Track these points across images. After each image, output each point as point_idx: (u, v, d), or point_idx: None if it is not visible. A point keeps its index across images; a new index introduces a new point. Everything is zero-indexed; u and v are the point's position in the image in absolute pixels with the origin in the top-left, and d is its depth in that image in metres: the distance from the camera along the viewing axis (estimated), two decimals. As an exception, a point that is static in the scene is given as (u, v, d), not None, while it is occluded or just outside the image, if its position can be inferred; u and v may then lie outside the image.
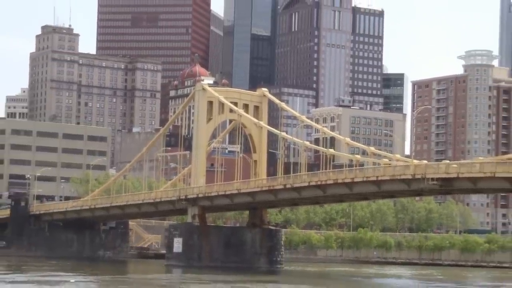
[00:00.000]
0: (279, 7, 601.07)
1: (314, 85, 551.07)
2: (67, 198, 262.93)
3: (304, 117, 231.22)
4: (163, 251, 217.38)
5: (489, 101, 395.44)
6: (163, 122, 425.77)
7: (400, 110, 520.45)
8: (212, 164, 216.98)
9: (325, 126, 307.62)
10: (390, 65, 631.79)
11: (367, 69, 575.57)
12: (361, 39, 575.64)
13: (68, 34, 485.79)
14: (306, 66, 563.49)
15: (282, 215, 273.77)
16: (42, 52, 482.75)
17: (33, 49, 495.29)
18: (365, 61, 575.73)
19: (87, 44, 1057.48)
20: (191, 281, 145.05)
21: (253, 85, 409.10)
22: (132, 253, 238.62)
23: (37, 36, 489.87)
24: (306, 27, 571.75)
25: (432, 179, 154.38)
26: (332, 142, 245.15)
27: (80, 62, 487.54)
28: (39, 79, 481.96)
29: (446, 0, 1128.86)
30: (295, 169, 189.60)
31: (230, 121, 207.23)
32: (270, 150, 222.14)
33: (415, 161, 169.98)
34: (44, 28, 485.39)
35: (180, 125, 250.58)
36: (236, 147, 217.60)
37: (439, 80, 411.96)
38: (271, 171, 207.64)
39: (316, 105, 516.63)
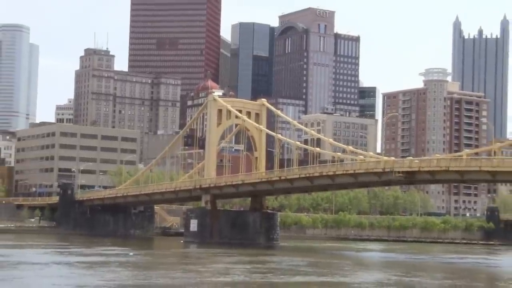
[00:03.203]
0: (275, 33, 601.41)
1: (304, 96, 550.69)
2: (104, 187, 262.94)
3: (295, 122, 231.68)
4: (182, 230, 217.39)
5: (444, 110, 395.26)
6: (182, 126, 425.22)
7: (372, 116, 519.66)
8: (221, 160, 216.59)
9: (312, 130, 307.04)
10: (365, 80, 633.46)
11: (346, 83, 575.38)
12: (342, 59, 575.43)
13: (106, 55, 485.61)
14: (297, 81, 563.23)
15: (278, 201, 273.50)
16: (84, 70, 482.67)
17: (77, 67, 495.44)
18: (345, 77, 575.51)
19: (121, 63, 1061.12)
20: (219, 254, 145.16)
21: (254, 96, 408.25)
22: (157, 231, 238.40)
23: (81, 57, 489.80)
24: (297, 50, 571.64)
25: (399, 172, 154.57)
26: (318, 142, 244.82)
27: (115, 78, 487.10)
28: (82, 91, 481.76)
29: (410, 27, 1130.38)
30: (288, 164, 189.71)
31: (236, 125, 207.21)
32: (268, 149, 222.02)
33: (385, 158, 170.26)
34: (86, 50, 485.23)
35: (195, 128, 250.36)
36: (241, 146, 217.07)
37: (404, 92, 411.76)
38: (269, 166, 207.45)
39: (305, 112, 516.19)
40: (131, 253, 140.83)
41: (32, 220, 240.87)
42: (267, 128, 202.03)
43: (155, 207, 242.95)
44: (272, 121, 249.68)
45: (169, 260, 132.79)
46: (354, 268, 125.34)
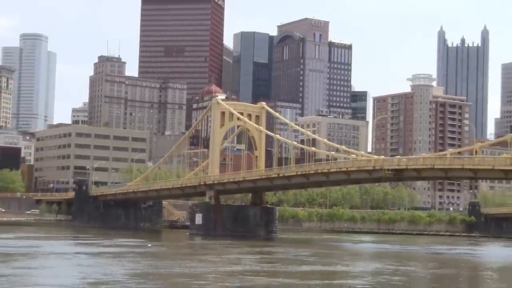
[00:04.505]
0: (274, 42, 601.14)
1: (300, 100, 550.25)
2: (116, 184, 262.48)
3: (292, 124, 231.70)
4: (188, 223, 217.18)
5: (430, 112, 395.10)
6: (188, 127, 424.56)
7: (364, 118, 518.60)
8: (224, 159, 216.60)
9: (308, 130, 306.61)
10: (357, 85, 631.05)
11: (339, 88, 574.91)
12: (335, 65, 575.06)
13: (117, 62, 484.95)
14: (294, 85, 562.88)
15: (276, 196, 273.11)
16: (98, 75, 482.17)
17: (91, 73, 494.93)
18: (338, 82, 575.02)
19: (132, 69, 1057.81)
20: (229, 246, 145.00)
21: (255, 99, 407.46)
22: (165, 224, 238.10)
23: (95, 64, 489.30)
24: (294, 57, 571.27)
25: (388, 169, 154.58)
26: (313, 142, 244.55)
27: (126, 83, 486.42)
28: (96, 95, 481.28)
29: (398, 36, 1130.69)
30: (286, 162, 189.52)
31: (238, 126, 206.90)
32: (267, 148, 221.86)
33: (375, 157, 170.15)
34: (100, 58, 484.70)
35: (200, 129, 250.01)
36: (242, 146, 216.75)
37: (393, 96, 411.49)
38: (268, 164, 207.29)
39: (301, 114, 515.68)
40: (149, 245, 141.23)
41: (28, 212, 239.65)
42: (266, 129, 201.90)
43: (163, 202, 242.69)
44: (271, 123, 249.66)
45: (184, 251, 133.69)
46: (353, 258, 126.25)
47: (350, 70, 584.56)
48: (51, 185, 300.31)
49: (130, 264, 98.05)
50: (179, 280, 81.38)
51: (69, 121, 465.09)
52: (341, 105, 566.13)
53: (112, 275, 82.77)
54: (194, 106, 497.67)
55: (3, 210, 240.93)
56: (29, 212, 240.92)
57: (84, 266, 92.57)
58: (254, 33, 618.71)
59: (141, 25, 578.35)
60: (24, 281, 75.74)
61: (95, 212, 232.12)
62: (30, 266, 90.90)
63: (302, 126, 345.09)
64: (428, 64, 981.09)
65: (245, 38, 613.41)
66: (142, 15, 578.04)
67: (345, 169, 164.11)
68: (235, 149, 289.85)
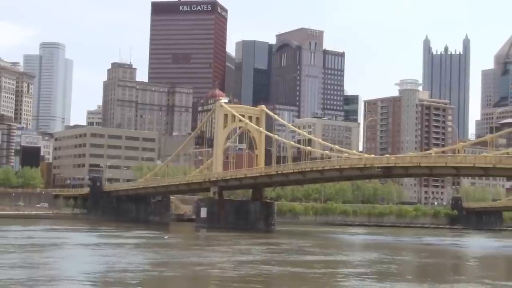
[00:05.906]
0: (273, 49, 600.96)
1: (297, 103, 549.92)
2: (128, 180, 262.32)
3: (290, 125, 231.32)
4: (193, 217, 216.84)
5: (416, 114, 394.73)
6: (193, 128, 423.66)
7: (355, 120, 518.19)
8: (227, 157, 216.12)
9: (304, 131, 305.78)
10: (349, 89, 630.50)
11: (333, 92, 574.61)
12: (329, 71, 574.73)
13: (129, 68, 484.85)
14: (292, 90, 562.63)
15: (275, 192, 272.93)
16: (111, 80, 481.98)
17: (105, 78, 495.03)
18: (332, 87, 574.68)
19: (142, 75, 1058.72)
20: (235, 237, 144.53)
21: (255, 103, 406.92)
22: (172, 218, 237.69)
23: (108, 70, 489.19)
24: (291, 63, 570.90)
25: (378, 167, 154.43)
26: (309, 142, 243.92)
27: (137, 88, 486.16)
28: (109, 99, 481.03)
29: (387, 44, 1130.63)
30: (284, 160, 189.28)
31: (239, 127, 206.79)
32: (267, 148, 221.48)
33: (366, 155, 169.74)
34: (113, 64, 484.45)
35: (205, 130, 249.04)
36: (244, 146, 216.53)
37: (382, 100, 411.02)
38: (268, 162, 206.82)
39: (298, 116, 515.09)
40: (165, 236, 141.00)
41: (38, 206, 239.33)
42: (266, 130, 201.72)
43: (171, 197, 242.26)
44: (270, 124, 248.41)
45: (197, 242, 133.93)
46: (350, 249, 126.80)
47: (343, 75, 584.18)
48: (68, 182, 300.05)
49: (150, 254, 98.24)
50: (198, 269, 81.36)
51: (84, 123, 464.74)
52: (335, 108, 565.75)
53: (135, 264, 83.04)
54: (199, 109, 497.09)
55: (23, 204, 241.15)
56: (38, 205, 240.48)
57: (109, 256, 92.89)
58: (254, 41, 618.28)
59: (151, 34, 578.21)
60: (57, 270, 76.09)
61: (108, 206, 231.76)
62: (61, 256, 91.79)
63: (299, 127, 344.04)
64: (414, 70, 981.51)
65: (246, 46, 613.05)
66: (151, 25, 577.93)
67: (338, 167, 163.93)
68: (237, 148, 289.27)
